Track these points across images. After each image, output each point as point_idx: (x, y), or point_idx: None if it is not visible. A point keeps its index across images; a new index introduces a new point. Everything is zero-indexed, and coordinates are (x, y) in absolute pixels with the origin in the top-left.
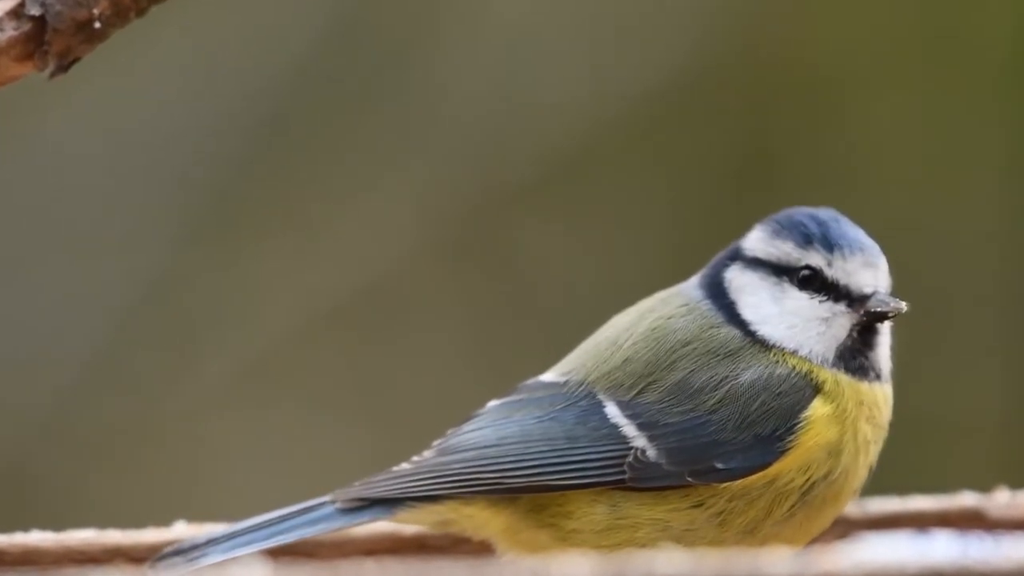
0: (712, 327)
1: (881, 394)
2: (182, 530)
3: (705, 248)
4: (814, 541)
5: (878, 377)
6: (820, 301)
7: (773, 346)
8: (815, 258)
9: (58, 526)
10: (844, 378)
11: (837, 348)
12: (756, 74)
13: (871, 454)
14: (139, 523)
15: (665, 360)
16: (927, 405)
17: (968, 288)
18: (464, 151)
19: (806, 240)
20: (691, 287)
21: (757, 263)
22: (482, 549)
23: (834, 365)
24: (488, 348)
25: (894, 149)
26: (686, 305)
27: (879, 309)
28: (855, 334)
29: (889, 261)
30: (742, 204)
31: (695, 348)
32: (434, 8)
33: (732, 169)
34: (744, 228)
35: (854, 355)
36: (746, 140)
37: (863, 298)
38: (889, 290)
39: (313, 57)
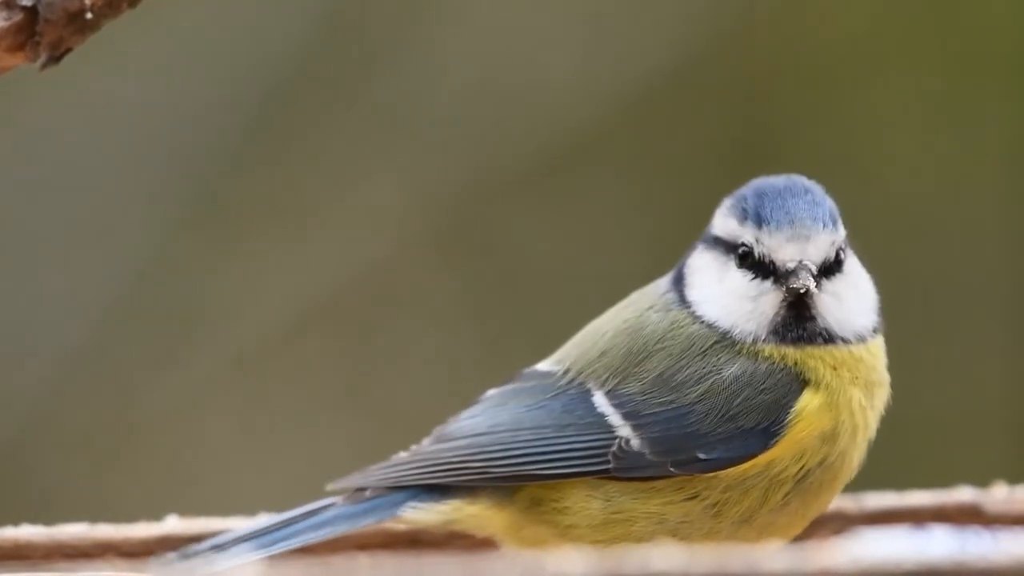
0: (676, 322)
1: (858, 353)
2: (174, 524)
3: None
4: (811, 537)
5: (830, 339)
6: (750, 279)
7: (716, 328)
8: (748, 234)
9: (48, 520)
10: (790, 350)
11: (769, 325)
12: (751, 62)
13: (870, 426)
14: (130, 517)
15: (639, 354)
16: (925, 399)
17: (968, 280)
18: (455, 141)
19: (743, 216)
20: (666, 277)
21: (716, 242)
22: (476, 544)
23: (767, 340)
24: (480, 339)
25: (895, 138)
26: (661, 296)
27: (793, 285)
28: (783, 310)
29: (891, 252)
30: None
31: (667, 344)
32: None
33: (727, 158)
34: None
35: (788, 329)
36: (741, 129)
37: (787, 274)
38: (819, 263)
39: (303, 47)
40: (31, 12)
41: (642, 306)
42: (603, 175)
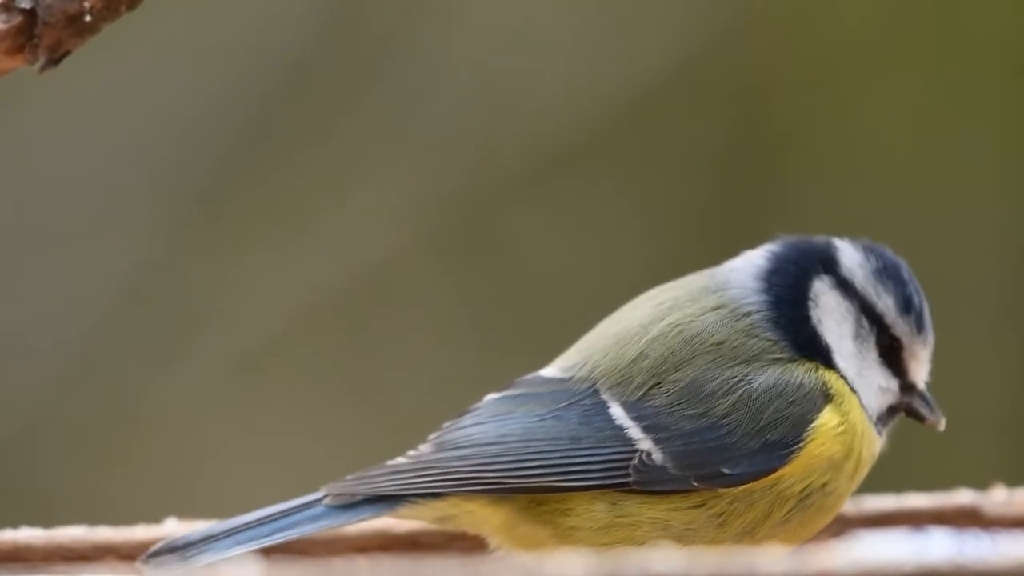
0: (750, 334)
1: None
2: (173, 527)
3: (699, 240)
4: (809, 541)
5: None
6: (888, 373)
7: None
8: (905, 333)
9: (48, 522)
10: (869, 427)
11: (879, 411)
12: (751, 63)
13: (858, 481)
14: (130, 520)
15: (682, 358)
16: None
17: (967, 282)
18: (455, 142)
19: (906, 307)
20: (738, 279)
21: (848, 290)
22: (475, 547)
23: (870, 418)
24: (479, 340)
25: (894, 137)
26: (728, 305)
27: (921, 411)
28: (892, 413)
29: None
30: (738, 196)
31: (722, 351)
32: None
33: (727, 159)
34: (738, 220)
35: (880, 420)
36: (741, 129)
37: (912, 388)
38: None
39: (302, 48)
40: (30, 15)
41: (693, 312)
42: (602, 176)
